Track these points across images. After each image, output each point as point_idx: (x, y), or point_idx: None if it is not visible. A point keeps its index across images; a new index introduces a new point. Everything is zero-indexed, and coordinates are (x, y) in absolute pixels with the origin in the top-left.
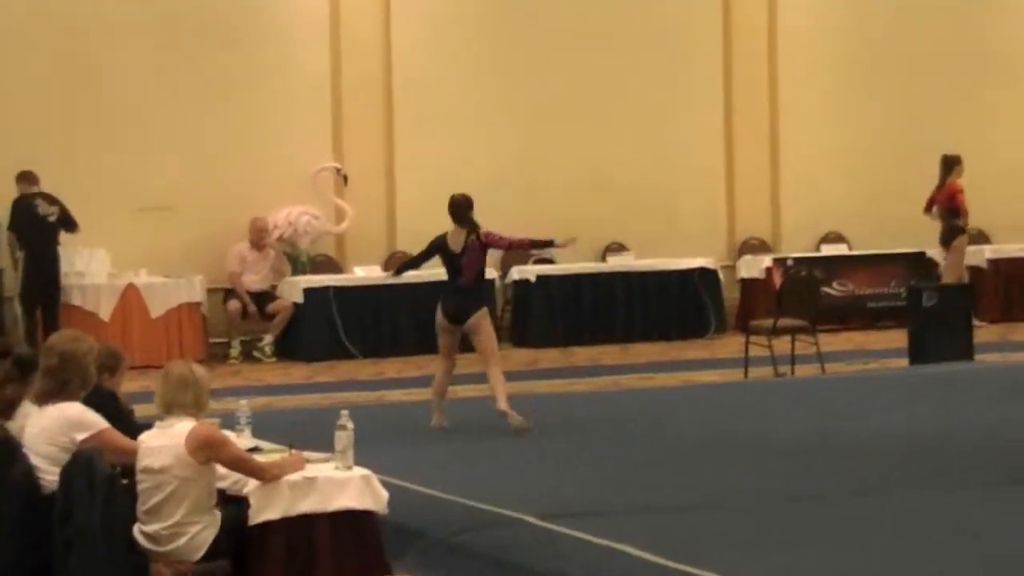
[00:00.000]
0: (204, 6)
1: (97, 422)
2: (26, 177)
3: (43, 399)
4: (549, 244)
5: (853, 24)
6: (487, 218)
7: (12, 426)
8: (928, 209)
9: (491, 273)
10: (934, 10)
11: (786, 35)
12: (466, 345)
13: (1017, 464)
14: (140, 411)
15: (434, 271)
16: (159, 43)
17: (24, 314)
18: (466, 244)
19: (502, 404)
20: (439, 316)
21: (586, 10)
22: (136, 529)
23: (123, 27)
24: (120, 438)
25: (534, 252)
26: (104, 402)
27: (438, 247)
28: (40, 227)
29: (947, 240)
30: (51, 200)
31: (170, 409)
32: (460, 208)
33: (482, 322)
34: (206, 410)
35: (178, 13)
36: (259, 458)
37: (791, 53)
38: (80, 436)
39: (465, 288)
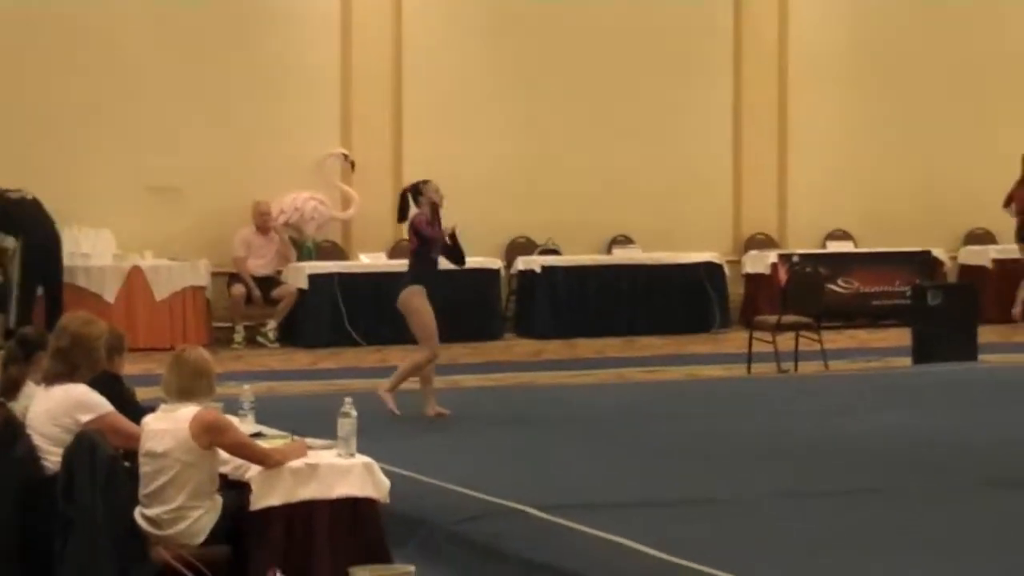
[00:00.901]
0: None
1: (102, 404)
2: None
3: (50, 380)
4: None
5: (864, 23)
6: (495, 208)
7: (16, 407)
8: (1007, 204)
9: (495, 263)
10: (943, 12)
11: (797, 32)
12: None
13: (1005, 466)
14: (142, 394)
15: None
16: (167, 29)
17: (21, 295)
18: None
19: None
20: None
21: (596, 8)
22: (137, 512)
23: (131, 13)
24: (124, 421)
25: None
26: (108, 385)
27: None
28: (21, 207)
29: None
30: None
31: (184, 396)
32: (401, 199)
33: (405, 302)
34: (214, 396)
35: (187, 2)
36: (262, 444)
37: (801, 50)
38: (84, 418)
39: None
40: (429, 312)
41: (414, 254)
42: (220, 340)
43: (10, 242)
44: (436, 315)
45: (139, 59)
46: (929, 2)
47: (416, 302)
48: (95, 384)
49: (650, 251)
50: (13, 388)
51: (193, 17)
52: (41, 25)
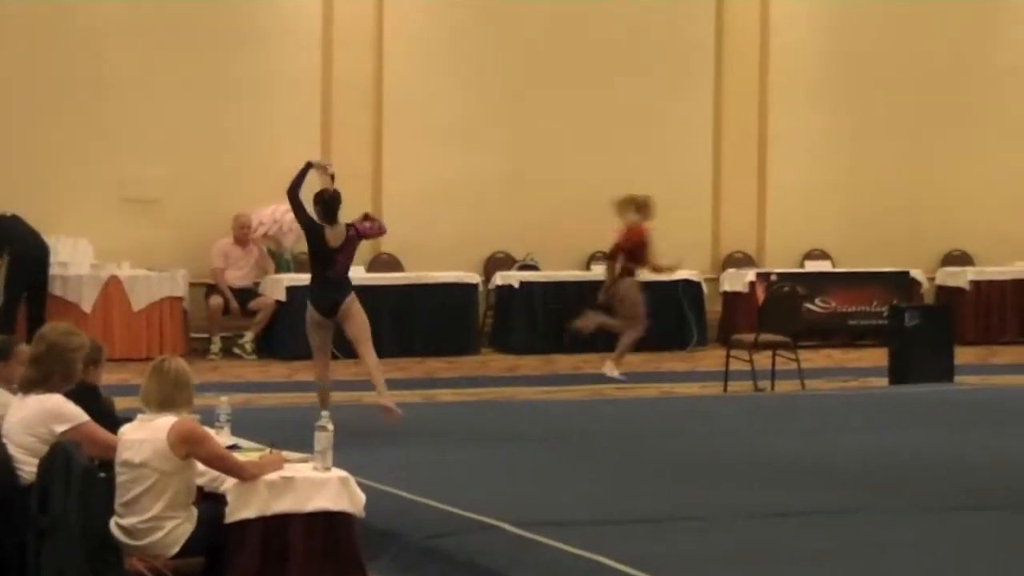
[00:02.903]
0: (194, 5)
1: (78, 415)
2: None
3: (26, 388)
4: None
5: (846, 41)
6: (474, 222)
7: None
8: None
9: (474, 277)
10: (927, 32)
11: (778, 52)
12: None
13: (979, 489)
14: (118, 404)
15: (417, 274)
16: (147, 38)
17: (5, 304)
18: (346, 239)
19: (382, 398)
20: (312, 312)
21: (577, 22)
22: (113, 523)
23: (110, 23)
24: (100, 432)
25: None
26: (85, 395)
27: (312, 232)
28: (4, 223)
29: None
30: None
31: (164, 407)
32: (335, 203)
33: (351, 307)
34: (192, 407)
35: (168, 11)
36: (238, 456)
37: (782, 70)
38: (60, 428)
39: (336, 279)
40: (309, 330)
41: (350, 267)
42: (197, 351)
43: None
44: (414, 328)
45: (118, 68)
46: (913, 22)
47: (359, 310)
48: (71, 394)
49: None
50: None
51: (173, 27)
52: (16, 33)
